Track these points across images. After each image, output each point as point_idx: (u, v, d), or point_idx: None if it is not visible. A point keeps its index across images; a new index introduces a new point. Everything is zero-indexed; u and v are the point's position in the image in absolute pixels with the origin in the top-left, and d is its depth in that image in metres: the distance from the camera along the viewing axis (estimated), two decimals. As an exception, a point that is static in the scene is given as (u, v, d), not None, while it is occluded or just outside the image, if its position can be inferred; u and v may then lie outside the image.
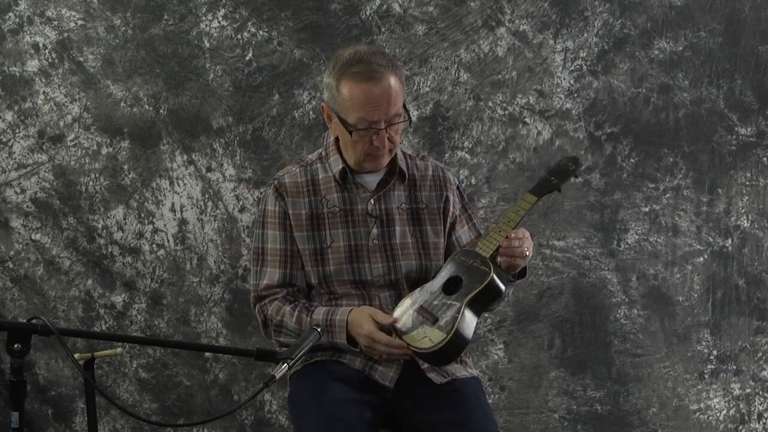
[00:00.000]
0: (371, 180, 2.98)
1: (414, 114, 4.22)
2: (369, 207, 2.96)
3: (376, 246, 2.94)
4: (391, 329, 2.82)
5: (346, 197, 2.96)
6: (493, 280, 2.78)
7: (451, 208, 3.03)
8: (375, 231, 2.95)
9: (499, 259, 2.83)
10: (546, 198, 2.97)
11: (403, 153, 3.04)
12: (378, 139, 2.84)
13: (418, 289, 2.89)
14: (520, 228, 2.84)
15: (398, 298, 2.92)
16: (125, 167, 4.24)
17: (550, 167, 2.95)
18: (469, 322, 2.79)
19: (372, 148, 2.86)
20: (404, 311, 2.85)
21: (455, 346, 2.78)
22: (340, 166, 2.95)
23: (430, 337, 2.77)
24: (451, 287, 2.83)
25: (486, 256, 2.81)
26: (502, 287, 2.81)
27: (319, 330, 2.59)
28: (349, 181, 2.97)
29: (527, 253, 2.83)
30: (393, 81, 2.82)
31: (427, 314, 2.80)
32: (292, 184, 2.97)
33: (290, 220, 2.95)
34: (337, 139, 2.98)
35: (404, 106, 2.87)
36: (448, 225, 3.03)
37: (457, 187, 3.09)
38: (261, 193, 4.23)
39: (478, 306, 2.81)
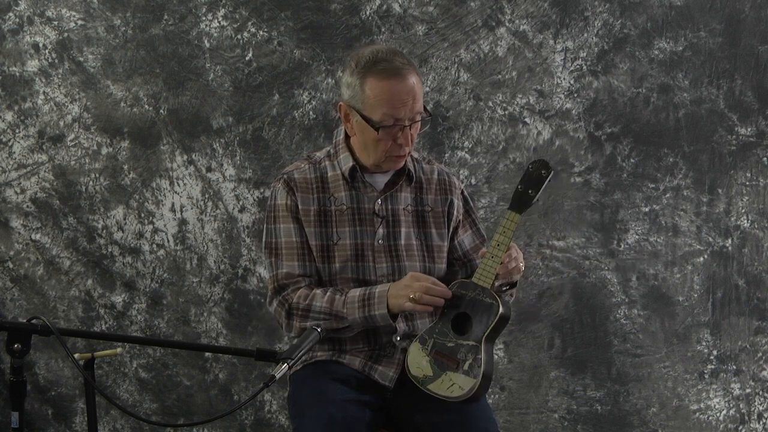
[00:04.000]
0: (380, 180, 2.98)
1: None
2: (376, 207, 2.96)
3: (381, 246, 2.95)
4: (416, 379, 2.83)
5: (353, 195, 2.96)
6: (502, 311, 2.79)
7: (455, 213, 3.04)
8: (381, 231, 2.95)
9: (497, 283, 2.86)
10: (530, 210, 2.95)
11: (410, 155, 3.04)
12: (402, 136, 2.85)
13: (423, 332, 2.86)
14: (512, 247, 2.85)
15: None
16: (125, 167, 4.24)
17: (523, 178, 2.87)
18: (490, 357, 2.80)
19: (394, 147, 2.87)
20: (418, 359, 2.83)
21: (485, 386, 2.80)
22: (350, 164, 2.95)
23: (459, 384, 2.77)
24: (460, 326, 2.82)
25: (487, 287, 2.81)
26: (511, 313, 2.84)
27: (319, 330, 2.58)
28: (358, 180, 2.97)
29: (522, 267, 2.87)
30: (416, 79, 2.85)
31: (445, 359, 2.79)
32: (302, 179, 2.97)
33: (300, 214, 2.95)
34: (347, 138, 2.98)
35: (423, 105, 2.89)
36: (451, 229, 3.04)
37: (462, 192, 3.10)
38: (261, 193, 4.23)
39: (493, 338, 2.84)
